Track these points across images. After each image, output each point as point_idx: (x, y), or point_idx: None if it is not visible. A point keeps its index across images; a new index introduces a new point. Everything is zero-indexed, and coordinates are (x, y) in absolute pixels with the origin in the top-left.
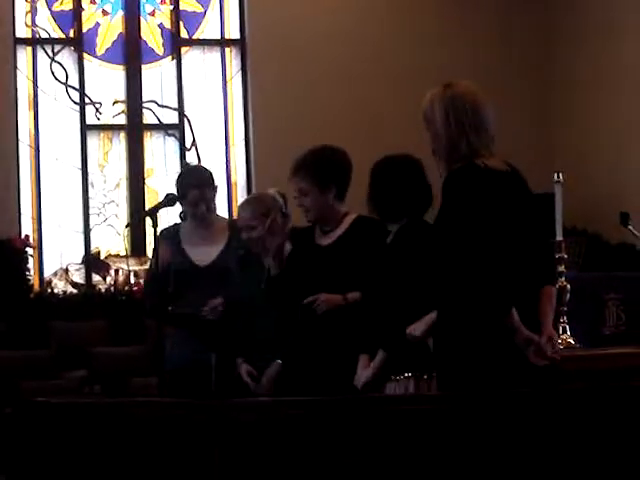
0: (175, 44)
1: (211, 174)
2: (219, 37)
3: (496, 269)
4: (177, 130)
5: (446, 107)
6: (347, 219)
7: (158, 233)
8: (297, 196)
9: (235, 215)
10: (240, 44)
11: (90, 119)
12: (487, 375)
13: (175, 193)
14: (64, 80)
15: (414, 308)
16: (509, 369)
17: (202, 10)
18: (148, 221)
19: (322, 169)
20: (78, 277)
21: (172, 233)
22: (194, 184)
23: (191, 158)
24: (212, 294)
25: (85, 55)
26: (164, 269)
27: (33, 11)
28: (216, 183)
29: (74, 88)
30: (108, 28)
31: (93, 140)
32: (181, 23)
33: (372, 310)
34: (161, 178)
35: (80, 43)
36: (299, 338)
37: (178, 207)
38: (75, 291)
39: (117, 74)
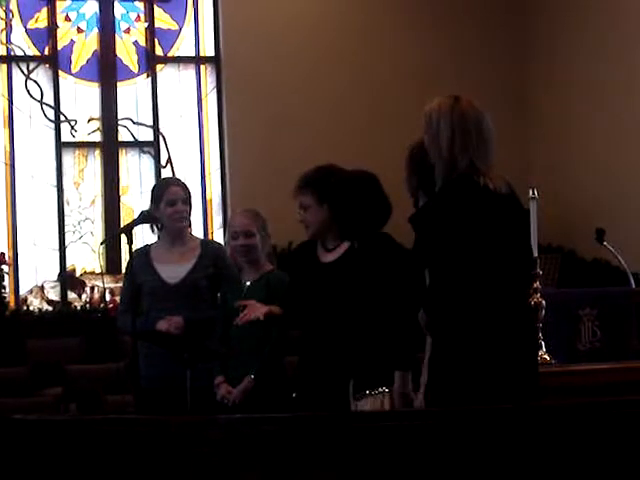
0: (150, 61)
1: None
2: (194, 54)
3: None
4: (152, 147)
5: (452, 123)
6: None
7: (130, 254)
8: (299, 212)
9: (209, 232)
10: (215, 61)
11: (65, 136)
12: (475, 391)
13: (149, 210)
14: (39, 97)
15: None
16: (496, 385)
17: (177, 28)
18: (123, 238)
19: (323, 185)
20: (53, 294)
21: (143, 252)
22: (172, 183)
23: (166, 175)
24: (181, 312)
25: (60, 72)
26: (136, 288)
27: (8, 29)
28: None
29: (49, 105)
30: (83, 46)
31: (68, 157)
32: (156, 41)
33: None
34: (136, 195)
35: (55, 60)
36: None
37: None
38: (51, 308)
39: (92, 91)
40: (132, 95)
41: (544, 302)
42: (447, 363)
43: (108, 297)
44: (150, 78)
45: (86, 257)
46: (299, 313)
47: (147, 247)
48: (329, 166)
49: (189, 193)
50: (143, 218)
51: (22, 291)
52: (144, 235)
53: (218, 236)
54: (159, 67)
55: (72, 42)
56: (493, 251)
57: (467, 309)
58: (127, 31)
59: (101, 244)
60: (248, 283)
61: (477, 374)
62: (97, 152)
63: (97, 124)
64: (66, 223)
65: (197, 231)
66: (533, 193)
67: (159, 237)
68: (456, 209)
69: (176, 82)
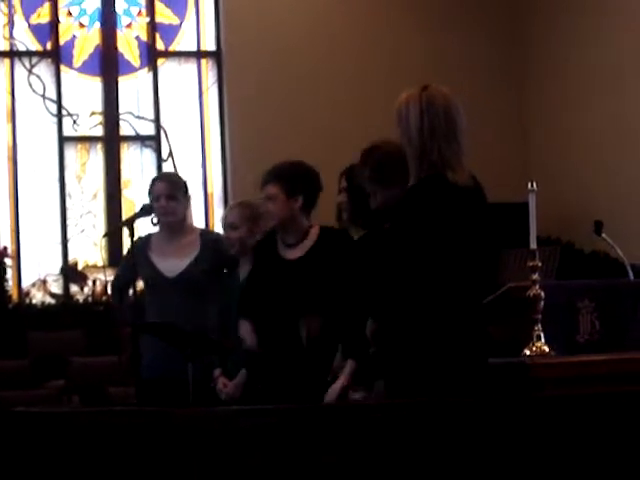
0: (151, 56)
1: (184, 182)
2: (195, 49)
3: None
4: (154, 141)
5: (421, 111)
6: (313, 231)
7: (132, 246)
8: (264, 203)
9: (210, 225)
10: (216, 56)
11: (67, 131)
12: (438, 381)
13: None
14: (41, 92)
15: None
16: (462, 375)
17: (178, 22)
18: (125, 232)
19: (292, 178)
20: (56, 288)
21: (142, 242)
22: (157, 178)
23: (168, 169)
24: (180, 305)
25: (62, 67)
26: (135, 275)
27: (10, 24)
28: (189, 193)
29: (51, 100)
30: (85, 40)
31: (70, 152)
32: (157, 35)
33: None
34: (138, 189)
35: (57, 55)
36: (268, 351)
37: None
38: (53, 301)
39: (94, 86)
40: (134, 89)
41: (543, 294)
42: (401, 354)
43: (110, 290)
44: (151, 72)
45: (88, 250)
46: (258, 307)
47: (149, 236)
48: (298, 161)
49: (178, 188)
50: (145, 211)
51: (25, 284)
52: (146, 228)
53: (219, 229)
54: (160, 61)
55: (74, 37)
56: (457, 251)
57: (421, 306)
58: (129, 26)
59: (103, 237)
60: (244, 274)
61: (429, 369)
62: (99, 146)
63: (99, 118)
64: (68, 216)
65: (198, 224)
66: (532, 185)
67: (160, 229)
68: (426, 210)
69: (177, 76)
